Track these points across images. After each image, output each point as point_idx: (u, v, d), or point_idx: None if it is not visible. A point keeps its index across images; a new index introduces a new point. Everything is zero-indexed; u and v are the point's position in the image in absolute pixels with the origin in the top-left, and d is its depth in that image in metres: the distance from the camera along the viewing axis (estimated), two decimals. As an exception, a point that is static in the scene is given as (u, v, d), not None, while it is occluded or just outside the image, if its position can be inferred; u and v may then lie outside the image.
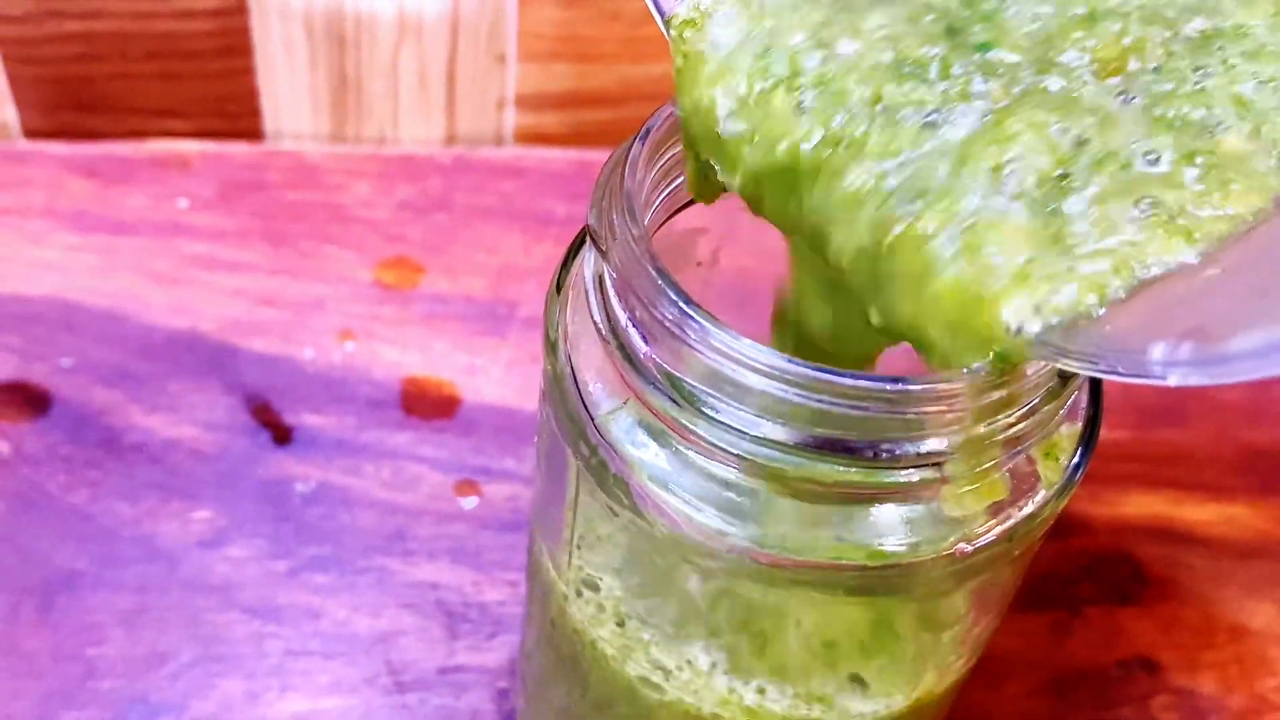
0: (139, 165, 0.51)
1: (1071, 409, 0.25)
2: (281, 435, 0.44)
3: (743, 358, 0.22)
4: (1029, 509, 0.24)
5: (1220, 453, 0.47)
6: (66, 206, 0.50)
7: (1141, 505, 0.45)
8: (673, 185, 0.27)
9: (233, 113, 0.53)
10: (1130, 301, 0.20)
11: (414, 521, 0.43)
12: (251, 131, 0.54)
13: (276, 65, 0.52)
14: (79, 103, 0.52)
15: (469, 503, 0.43)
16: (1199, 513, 0.45)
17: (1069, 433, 0.25)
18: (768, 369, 0.22)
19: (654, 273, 0.23)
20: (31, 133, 0.53)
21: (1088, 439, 0.25)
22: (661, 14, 0.24)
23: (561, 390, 0.26)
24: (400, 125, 0.54)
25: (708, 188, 0.26)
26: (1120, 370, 0.20)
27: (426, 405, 0.46)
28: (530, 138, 0.55)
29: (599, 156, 0.54)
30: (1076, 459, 0.25)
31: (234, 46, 0.51)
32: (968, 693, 0.40)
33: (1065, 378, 0.23)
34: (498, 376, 0.47)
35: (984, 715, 0.40)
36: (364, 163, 0.53)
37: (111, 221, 0.50)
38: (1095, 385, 0.26)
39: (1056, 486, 0.25)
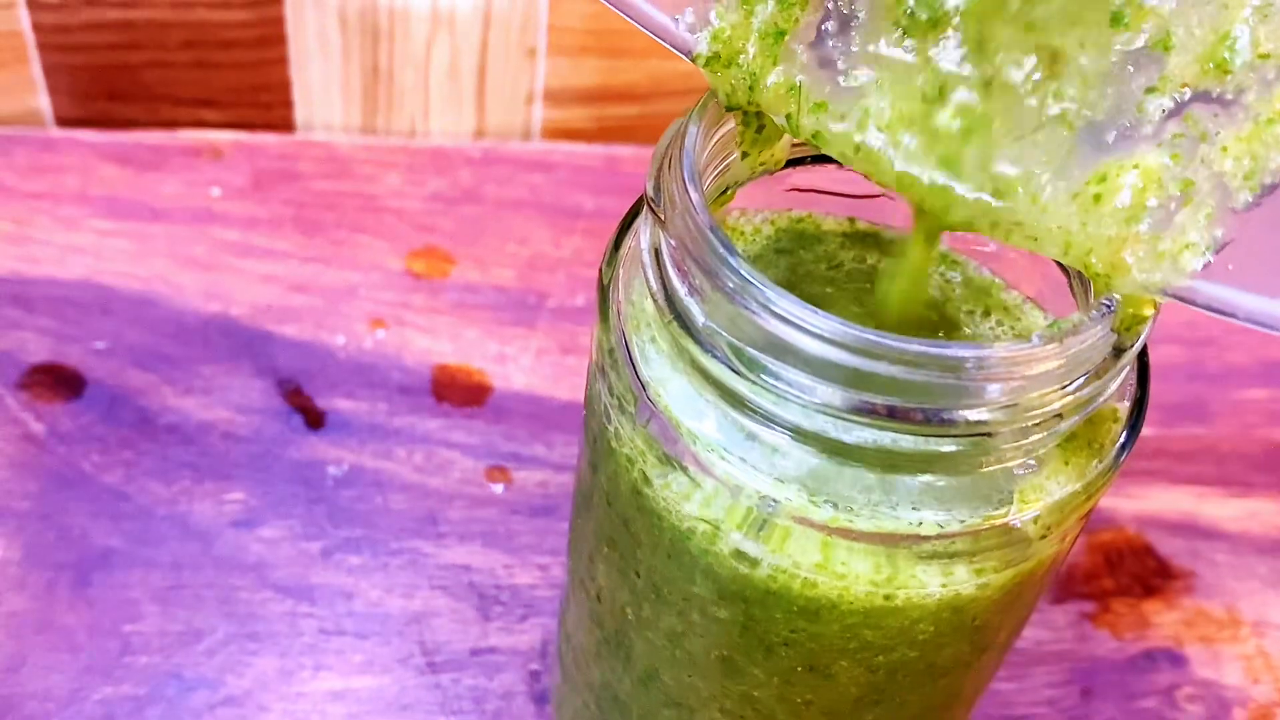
0: (171, 153, 0.52)
1: (1120, 388, 0.25)
2: (314, 419, 0.45)
3: (805, 324, 0.22)
4: (1076, 485, 0.25)
5: (1243, 449, 0.48)
6: (99, 193, 0.50)
7: (1165, 500, 0.46)
8: (726, 161, 0.27)
9: (265, 103, 0.53)
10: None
11: (446, 505, 0.43)
12: (283, 122, 0.54)
13: (310, 56, 0.52)
14: (113, 91, 0.53)
15: (499, 488, 0.44)
16: (1222, 508, 0.46)
17: (1118, 408, 0.26)
18: (830, 335, 0.22)
19: (715, 240, 0.23)
20: (63, 120, 0.53)
21: (1135, 419, 0.25)
22: (686, 54, 0.25)
23: (614, 361, 0.26)
24: (430, 118, 0.54)
25: (761, 145, 0.27)
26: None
27: (457, 392, 0.46)
28: (557, 133, 0.56)
29: (626, 152, 0.55)
30: (1123, 438, 0.25)
31: (269, 37, 0.51)
32: (993, 682, 0.41)
33: (1118, 351, 0.23)
34: (527, 365, 0.47)
35: (1009, 705, 0.40)
36: (394, 154, 0.53)
37: (144, 208, 0.50)
38: (1143, 367, 0.26)
39: (1105, 462, 0.25)
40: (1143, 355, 0.26)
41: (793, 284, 0.30)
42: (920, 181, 0.24)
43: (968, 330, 0.29)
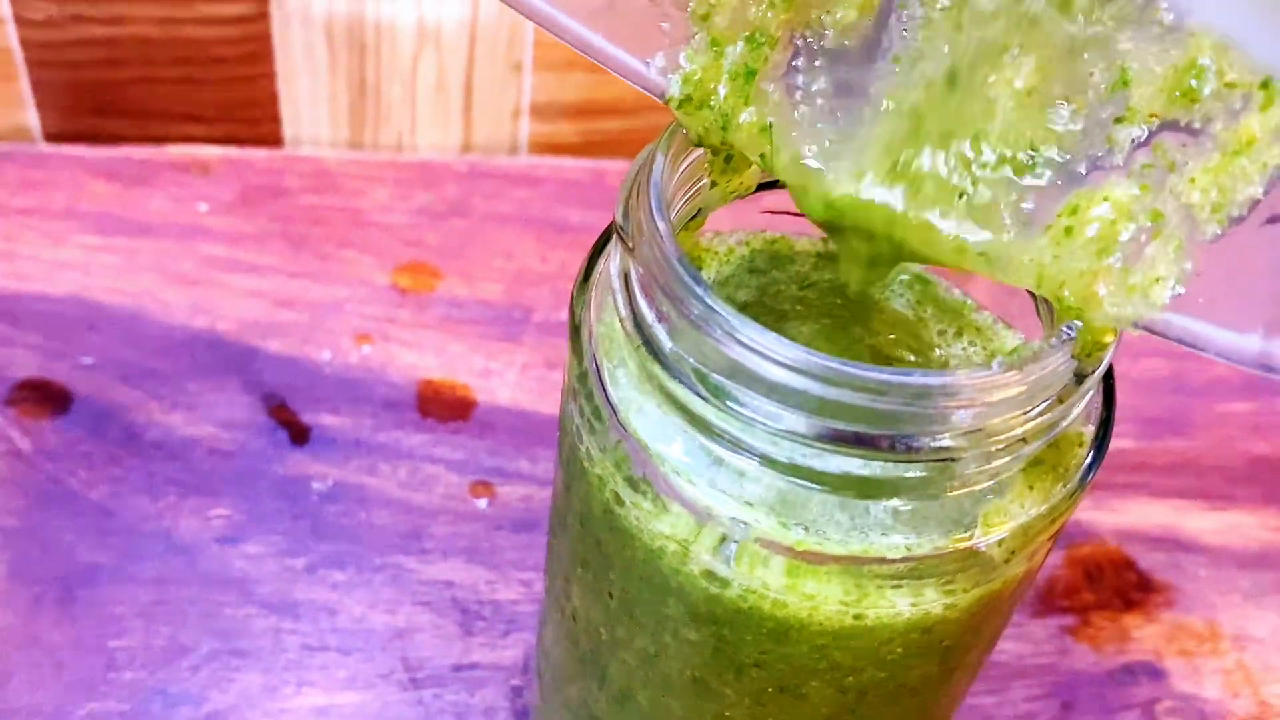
0: (159, 169, 0.52)
1: (1085, 412, 0.26)
2: (299, 434, 0.45)
3: (770, 352, 0.23)
4: (1041, 508, 0.25)
5: (1224, 462, 0.48)
6: (87, 208, 0.51)
7: (1146, 514, 0.46)
8: (696, 186, 0.27)
9: (253, 118, 0.54)
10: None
11: (430, 521, 0.43)
12: (271, 137, 0.54)
13: (297, 71, 0.52)
14: (101, 107, 0.53)
15: (483, 503, 0.44)
16: (1202, 521, 0.46)
17: (1083, 432, 0.26)
18: (795, 363, 0.22)
19: (681, 270, 0.23)
20: (52, 136, 0.54)
21: (1099, 442, 0.26)
22: (658, 97, 0.25)
23: (586, 385, 0.26)
24: (417, 132, 0.55)
25: (730, 174, 0.27)
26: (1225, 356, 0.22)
27: (442, 407, 0.46)
28: (544, 147, 0.56)
29: (613, 165, 0.55)
30: (1088, 461, 0.25)
31: (256, 53, 0.52)
32: (972, 697, 0.41)
33: (1080, 376, 0.24)
34: (512, 380, 0.47)
35: (988, 718, 0.40)
36: (381, 169, 0.53)
37: (132, 223, 0.50)
38: (1108, 389, 0.27)
39: (1070, 485, 0.25)
40: (1108, 378, 0.27)
41: (766, 305, 0.30)
42: (903, 219, 0.24)
43: (939, 351, 0.29)
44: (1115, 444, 0.47)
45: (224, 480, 0.44)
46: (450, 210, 0.53)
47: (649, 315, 0.25)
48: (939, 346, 0.30)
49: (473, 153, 0.56)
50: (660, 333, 0.24)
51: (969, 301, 0.30)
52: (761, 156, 0.25)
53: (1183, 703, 0.42)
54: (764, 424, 0.23)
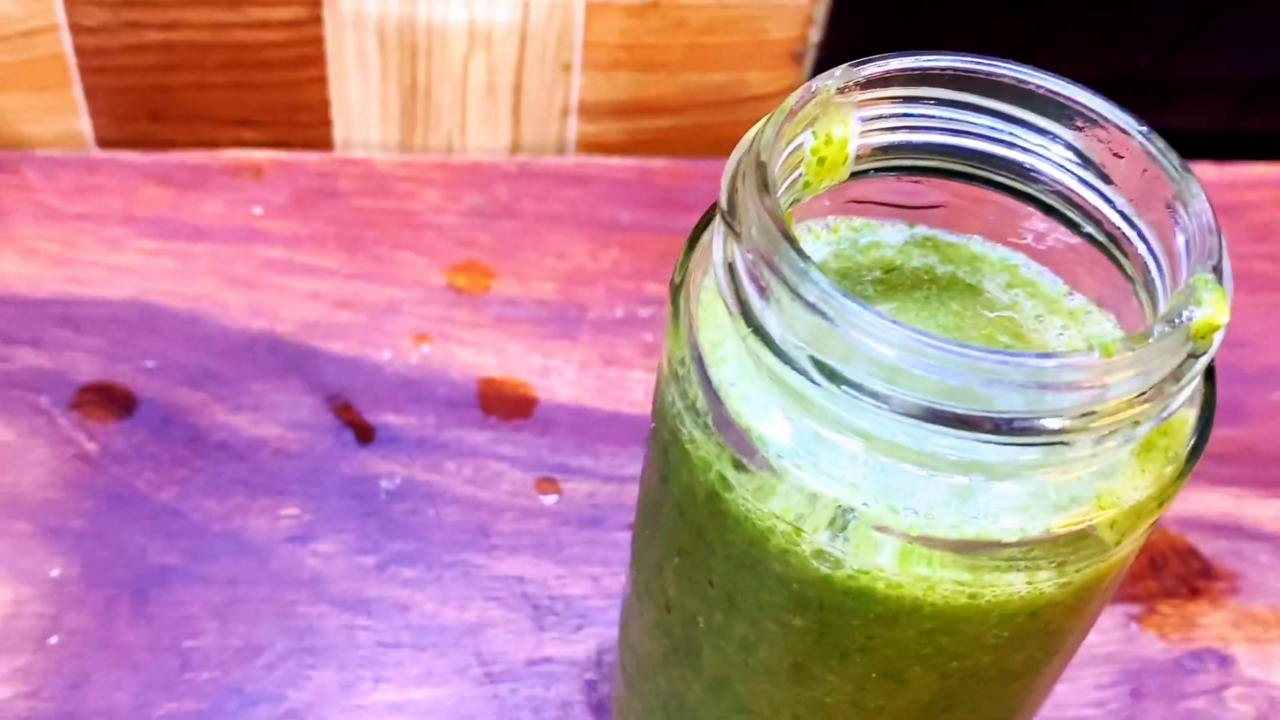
0: (213, 173, 0.52)
1: (1190, 395, 0.26)
2: (364, 434, 0.45)
3: (884, 335, 0.23)
4: (1151, 490, 0.25)
5: (1280, 451, 0.48)
6: (143, 213, 0.51)
7: (1207, 502, 0.46)
8: (793, 176, 0.28)
9: (304, 122, 0.54)
10: None
11: (496, 518, 0.43)
12: (322, 141, 0.55)
13: (348, 75, 0.53)
14: (154, 112, 0.53)
15: (549, 499, 0.44)
16: (1262, 509, 0.46)
17: (1188, 415, 0.26)
18: (907, 345, 0.23)
19: (794, 254, 0.24)
20: (105, 142, 0.54)
21: (1203, 425, 0.26)
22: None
23: (686, 368, 0.27)
24: (467, 134, 0.55)
25: (824, 170, 0.27)
26: None
27: (503, 405, 0.46)
28: (591, 146, 0.56)
29: (659, 164, 0.55)
30: (1193, 443, 0.26)
31: (307, 57, 0.52)
32: (1046, 683, 0.41)
33: (1193, 358, 0.24)
34: (571, 377, 0.48)
35: (1060, 708, 0.41)
36: (432, 171, 0.54)
37: (188, 227, 0.51)
38: (1209, 373, 0.27)
39: (1178, 466, 0.25)
40: (1211, 366, 0.27)
41: (855, 291, 0.30)
42: None
43: (1033, 337, 0.30)
44: (1172, 433, 0.48)
45: (291, 480, 0.44)
46: (501, 211, 0.53)
47: (757, 302, 0.25)
48: (1033, 332, 0.30)
49: (521, 153, 0.56)
50: (770, 319, 0.24)
51: (1061, 285, 0.30)
52: None
53: (1252, 688, 0.42)
54: (876, 407, 0.23)
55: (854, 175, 0.29)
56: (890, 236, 0.31)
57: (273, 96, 0.53)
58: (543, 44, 0.52)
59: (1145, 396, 0.23)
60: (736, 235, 0.25)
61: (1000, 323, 0.30)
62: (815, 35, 0.53)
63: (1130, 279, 0.28)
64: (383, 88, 0.53)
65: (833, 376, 0.24)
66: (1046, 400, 0.23)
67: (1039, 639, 0.27)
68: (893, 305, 0.30)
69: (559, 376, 0.48)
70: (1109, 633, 0.42)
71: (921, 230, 0.31)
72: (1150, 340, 0.23)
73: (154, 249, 0.50)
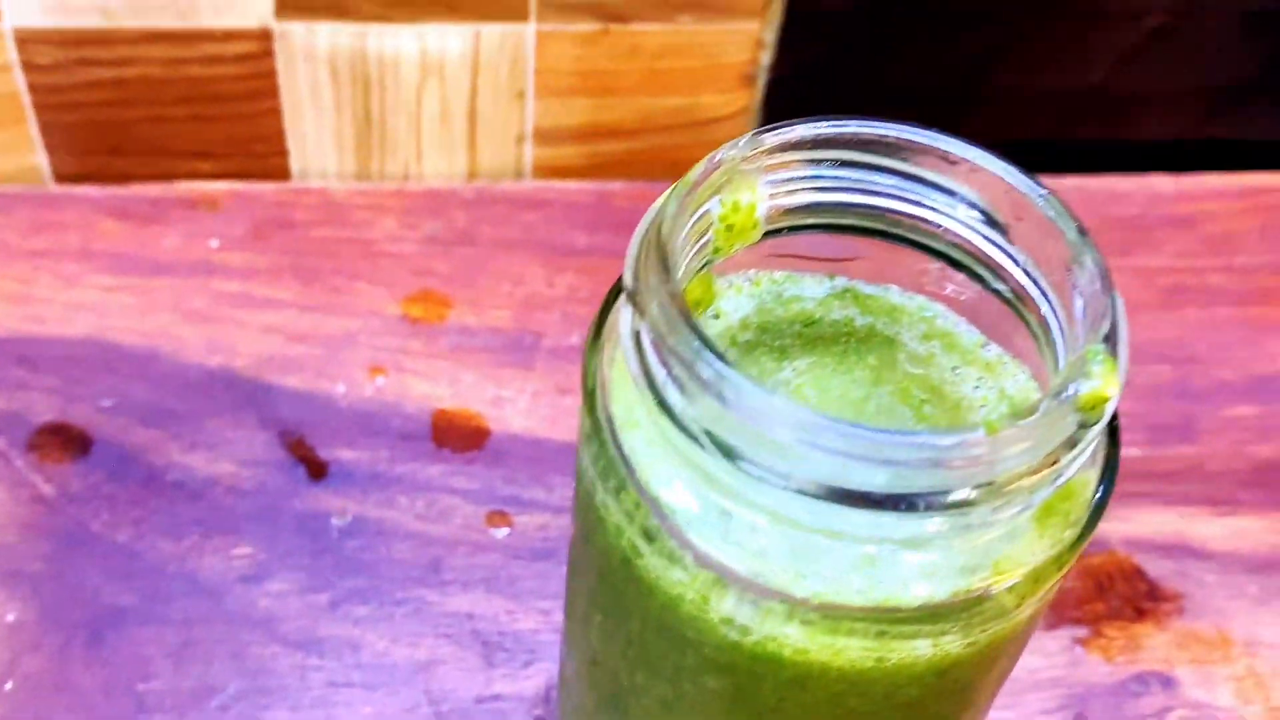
0: (170, 206, 0.53)
1: (1092, 456, 0.26)
2: (317, 470, 0.46)
3: (778, 415, 0.23)
4: (1050, 553, 0.26)
5: (1232, 466, 0.48)
6: (101, 248, 0.51)
7: (1154, 522, 0.46)
8: (704, 239, 0.28)
9: (260, 153, 0.54)
10: None
11: (449, 552, 0.44)
12: (279, 171, 0.55)
13: (302, 107, 0.53)
14: (110, 147, 0.53)
15: (501, 533, 0.44)
16: (1210, 527, 0.47)
17: (1089, 477, 0.26)
18: (802, 426, 0.23)
19: (691, 334, 0.24)
20: (62, 177, 0.54)
21: (1105, 485, 0.26)
22: None
23: (600, 437, 0.27)
24: (424, 161, 0.55)
25: (734, 236, 0.28)
26: None
27: (456, 437, 0.47)
28: (549, 171, 0.56)
29: (618, 188, 0.55)
30: (1094, 504, 0.26)
31: (260, 90, 0.52)
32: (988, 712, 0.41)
33: (1084, 427, 0.24)
34: (524, 407, 0.48)
35: (1006, 732, 0.41)
36: (389, 198, 0.54)
37: (145, 262, 0.51)
38: (1113, 432, 0.27)
39: (1078, 529, 0.26)
40: (1113, 421, 0.27)
41: (775, 342, 0.31)
42: None
43: (948, 389, 0.30)
44: (1123, 453, 0.48)
45: (245, 518, 0.44)
46: (458, 237, 0.53)
47: (660, 374, 0.25)
48: (949, 384, 0.30)
49: (478, 179, 0.56)
50: (671, 391, 0.25)
51: (978, 335, 0.31)
52: None
53: (1195, 711, 0.42)
54: (775, 483, 0.24)
55: (768, 234, 0.30)
56: (811, 289, 0.32)
57: (228, 129, 0.53)
58: (495, 72, 0.53)
59: (1035, 468, 0.24)
60: (640, 312, 0.25)
61: (916, 376, 0.30)
62: (766, 58, 0.53)
63: (1036, 337, 0.28)
64: (337, 118, 0.53)
65: (730, 454, 0.24)
66: (937, 476, 0.23)
67: (950, 695, 0.28)
68: (811, 359, 0.30)
69: (512, 407, 0.48)
70: (1054, 656, 0.43)
71: (842, 282, 0.32)
72: (1035, 416, 0.23)
73: (111, 285, 0.50)
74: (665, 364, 0.25)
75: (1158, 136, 0.59)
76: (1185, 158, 0.59)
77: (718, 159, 0.27)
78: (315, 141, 0.54)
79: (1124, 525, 0.46)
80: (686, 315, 0.24)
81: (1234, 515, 0.47)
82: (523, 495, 0.46)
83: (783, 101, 0.55)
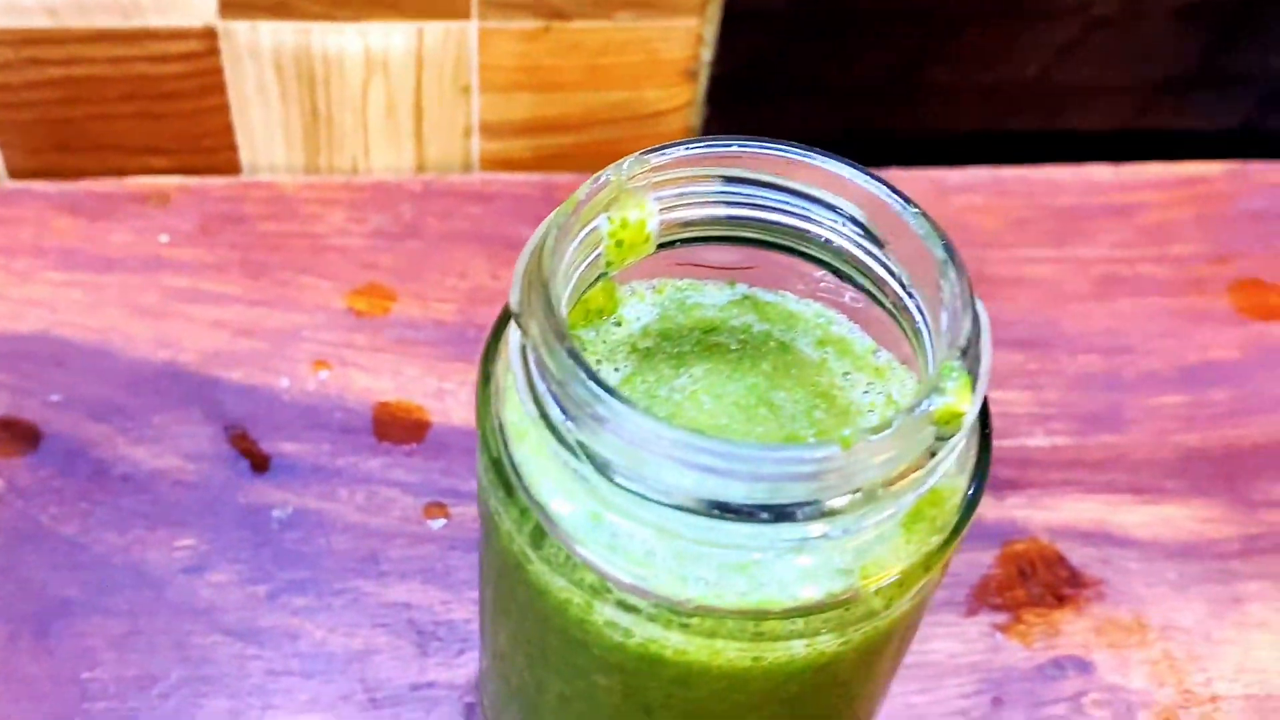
0: (121, 201, 0.54)
1: (961, 463, 0.27)
2: (259, 463, 0.47)
3: (654, 438, 0.24)
4: (916, 558, 0.27)
5: (1157, 456, 0.50)
6: (53, 244, 0.52)
7: (1078, 510, 0.48)
8: (596, 252, 0.29)
9: (210, 148, 0.55)
10: None
11: (386, 544, 0.45)
12: (229, 165, 0.56)
13: (250, 103, 0.54)
14: (62, 143, 0.54)
15: (438, 524, 0.46)
16: (1133, 515, 0.48)
17: (957, 483, 0.28)
18: (674, 445, 0.24)
19: (569, 359, 0.25)
20: (16, 173, 0.55)
21: (973, 492, 0.27)
22: None
23: (492, 445, 0.28)
24: (371, 155, 0.56)
25: (624, 251, 0.29)
26: None
27: (398, 430, 0.48)
28: (496, 163, 0.57)
29: (564, 179, 0.56)
30: (961, 511, 0.27)
31: (207, 86, 0.53)
32: (904, 695, 0.43)
33: (942, 438, 0.25)
34: (466, 399, 0.49)
35: (920, 716, 0.42)
36: (337, 192, 0.55)
37: (96, 258, 0.52)
38: (985, 437, 0.28)
39: (944, 535, 0.27)
40: (985, 424, 0.28)
41: (674, 349, 0.32)
42: None
43: (839, 397, 0.31)
44: (1050, 441, 0.50)
45: (189, 511, 0.45)
46: (405, 231, 0.54)
47: (541, 388, 0.26)
48: (839, 389, 0.31)
49: (427, 172, 0.57)
50: (554, 409, 0.26)
51: (870, 342, 0.32)
52: None
53: (1109, 694, 0.43)
54: (651, 498, 0.25)
55: (665, 245, 0.31)
56: (713, 296, 0.33)
57: (177, 125, 0.54)
58: (439, 68, 0.53)
59: (896, 478, 0.25)
60: (523, 331, 0.26)
61: (809, 382, 0.31)
62: (707, 54, 0.54)
63: (914, 347, 0.29)
64: (284, 113, 0.54)
65: (606, 470, 0.25)
66: (800, 488, 0.25)
67: (833, 688, 0.29)
68: (708, 366, 0.31)
69: (454, 399, 0.49)
70: (973, 642, 0.44)
71: (742, 289, 0.33)
72: (889, 431, 0.24)
73: (62, 280, 0.51)
74: (545, 381, 0.26)
75: (1097, 127, 0.60)
76: (1125, 148, 0.60)
77: (603, 179, 0.28)
78: (264, 136, 0.55)
79: (1048, 513, 0.48)
80: (564, 338, 0.25)
81: (1158, 503, 0.48)
82: (461, 487, 0.47)
83: (725, 96, 0.56)
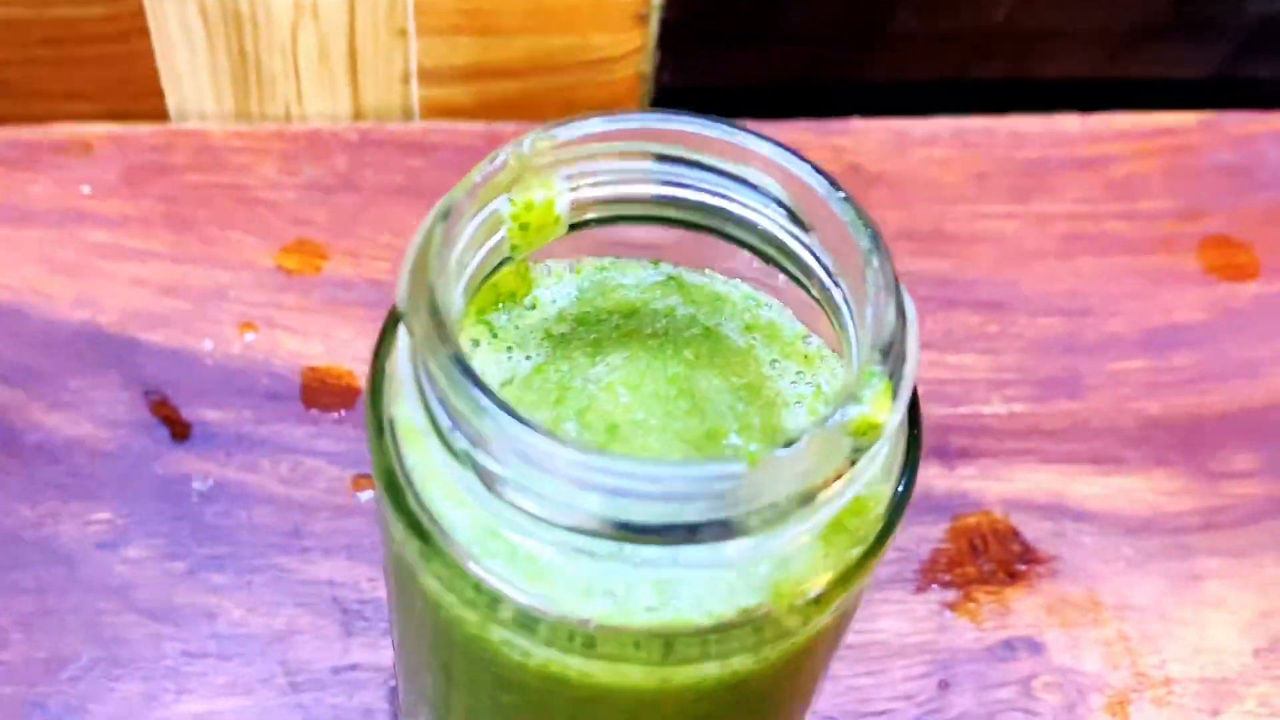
0: (41, 151, 0.51)
1: (886, 470, 0.25)
2: (180, 431, 0.45)
3: (546, 455, 0.22)
4: (833, 573, 0.25)
5: (1117, 423, 0.48)
6: (-31, 196, 0.50)
7: (1034, 481, 0.46)
8: (497, 237, 0.27)
9: (136, 94, 0.53)
10: None
11: (311, 518, 0.43)
12: (157, 112, 0.53)
13: (174, 46, 0.51)
14: (-20, 90, 0.52)
15: (365, 496, 0.44)
16: (1090, 486, 0.46)
17: (881, 493, 0.26)
18: (568, 462, 0.22)
19: (455, 365, 0.23)
20: (-66, 120, 0.53)
21: (898, 502, 0.26)
22: None
23: (381, 445, 0.26)
24: (305, 102, 0.54)
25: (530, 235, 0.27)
26: None
27: (327, 396, 0.46)
28: (438, 111, 0.55)
29: (510, 129, 0.54)
30: (884, 522, 0.25)
31: (130, 30, 0.50)
32: (849, 679, 0.41)
33: (860, 450, 0.23)
34: (399, 363, 0.47)
35: (867, 700, 0.41)
36: (269, 140, 0.52)
37: (13, 210, 0.50)
38: (913, 440, 0.26)
39: (866, 547, 0.25)
40: (915, 426, 0.26)
41: (592, 333, 0.30)
42: None
43: (765, 388, 0.29)
44: (1007, 409, 0.48)
45: (104, 483, 0.43)
46: (340, 183, 0.52)
47: (431, 396, 0.24)
48: (767, 379, 0.29)
49: (364, 119, 0.55)
50: (442, 417, 0.24)
51: (800, 328, 0.30)
52: None
53: (1060, 676, 0.42)
54: (546, 520, 0.23)
55: (576, 226, 0.28)
56: (634, 276, 0.31)
57: (101, 71, 0.52)
58: (373, 10, 0.51)
59: (810, 492, 0.23)
60: (410, 333, 0.24)
61: (734, 370, 0.29)
62: (656, -2, 0.52)
63: (841, 338, 0.27)
64: (210, 57, 0.52)
65: (493, 486, 0.23)
66: (704, 506, 0.23)
67: (749, 705, 0.27)
68: (626, 354, 0.29)
69: (386, 363, 0.47)
70: (921, 621, 0.43)
71: (666, 269, 0.31)
72: (799, 446, 0.22)
73: (-23, 235, 0.49)
74: (433, 387, 0.24)
75: (1066, 75, 0.58)
76: (1094, 96, 0.57)
77: (501, 158, 0.26)
78: (191, 81, 0.52)
79: (1002, 485, 0.46)
80: (449, 342, 0.23)
81: (1116, 474, 0.46)
82: (391, 456, 0.45)
83: (678, 41, 0.53)
